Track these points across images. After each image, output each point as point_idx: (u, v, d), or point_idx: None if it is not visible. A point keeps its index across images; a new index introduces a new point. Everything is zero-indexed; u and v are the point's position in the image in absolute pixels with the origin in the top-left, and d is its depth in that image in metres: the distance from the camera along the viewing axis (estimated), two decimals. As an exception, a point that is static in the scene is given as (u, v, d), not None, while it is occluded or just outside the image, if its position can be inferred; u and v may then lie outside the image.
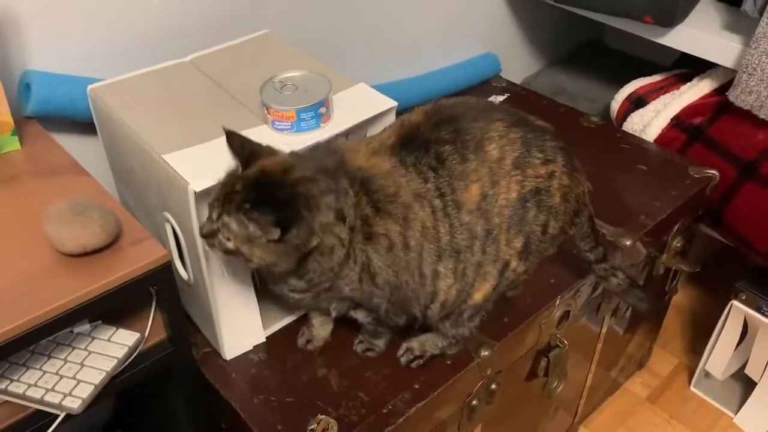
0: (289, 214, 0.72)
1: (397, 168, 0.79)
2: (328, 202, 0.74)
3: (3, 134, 0.89)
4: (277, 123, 0.85)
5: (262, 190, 0.73)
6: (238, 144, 0.76)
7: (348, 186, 0.77)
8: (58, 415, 0.73)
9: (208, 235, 0.76)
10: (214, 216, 0.75)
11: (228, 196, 0.74)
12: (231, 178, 0.75)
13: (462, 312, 0.87)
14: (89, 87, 0.94)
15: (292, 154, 0.78)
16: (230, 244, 0.75)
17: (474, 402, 0.97)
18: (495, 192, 0.80)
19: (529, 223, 0.83)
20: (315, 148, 0.82)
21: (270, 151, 0.77)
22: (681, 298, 1.67)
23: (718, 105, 1.30)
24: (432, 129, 0.81)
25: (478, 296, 0.85)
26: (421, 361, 0.92)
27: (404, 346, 0.94)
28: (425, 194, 0.79)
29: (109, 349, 0.79)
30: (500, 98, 1.48)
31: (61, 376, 0.75)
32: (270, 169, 0.75)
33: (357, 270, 0.79)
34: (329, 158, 0.79)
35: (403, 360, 0.93)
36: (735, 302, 1.31)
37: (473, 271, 0.83)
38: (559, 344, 1.08)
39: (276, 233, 0.72)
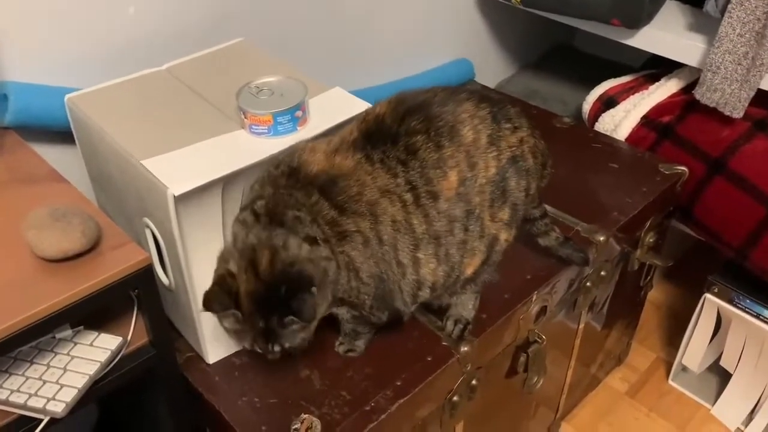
0: (301, 303, 0.74)
1: (361, 165, 0.79)
2: (306, 256, 0.75)
3: (-20, 144, 0.89)
4: (254, 127, 0.86)
5: (270, 302, 0.75)
6: (218, 300, 0.76)
7: (303, 202, 0.77)
8: (41, 420, 0.73)
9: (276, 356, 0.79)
10: (268, 347, 0.78)
11: (263, 331, 0.76)
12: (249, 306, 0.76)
13: (455, 283, 0.90)
14: (66, 96, 0.95)
15: (242, 228, 0.79)
16: (297, 339, 0.78)
17: (455, 398, 0.98)
18: (474, 174, 0.82)
19: (513, 192, 0.86)
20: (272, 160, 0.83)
21: (227, 267, 0.77)
22: (657, 294, 1.70)
23: (686, 103, 1.34)
24: (400, 120, 0.80)
25: (469, 270, 0.88)
26: (470, 327, 0.97)
27: (451, 319, 0.96)
28: (394, 189, 0.79)
29: (92, 353, 0.79)
30: (475, 102, 1.51)
31: (44, 381, 0.75)
32: (263, 275, 0.75)
33: (344, 273, 0.80)
34: (281, 173, 0.79)
35: (455, 332, 0.96)
36: (708, 295, 1.34)
37: (458, 250, 0.85)
38: (538, 340, 1.10)
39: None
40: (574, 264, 1.09)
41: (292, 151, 0.82)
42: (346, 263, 0.80)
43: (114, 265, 0.75)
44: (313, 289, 0.75)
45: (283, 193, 0.78)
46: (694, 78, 1.34)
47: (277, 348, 0.78)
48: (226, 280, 0.76)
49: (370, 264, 0.81)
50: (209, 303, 0.76)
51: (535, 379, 1.13)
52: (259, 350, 0.79)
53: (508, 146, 0.85)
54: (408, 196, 0.80)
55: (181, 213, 0.80)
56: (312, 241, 0.76)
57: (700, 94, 1.24)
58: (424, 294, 0.87)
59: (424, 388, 0.91)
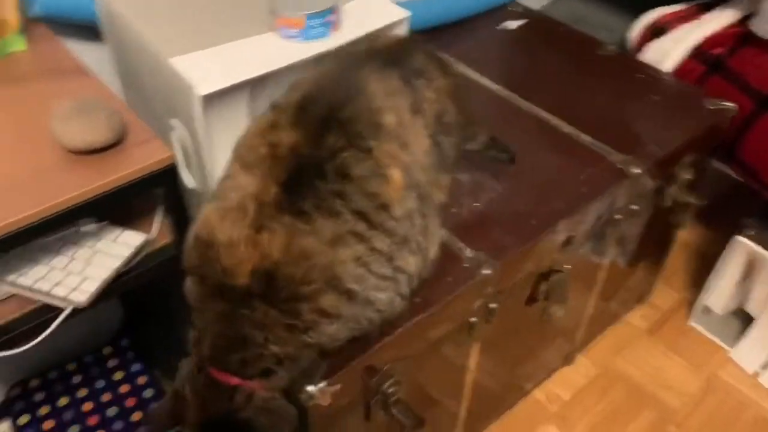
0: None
1: (294, 228, 0.63)
2: (259, 405, 0.67)
3: (9, 34, 0.88)
4: (285, 30, 0.84)
5: None
6: (162, 417, 0.69)
7: (249, 334, 0.65)
8: (63, 309, 0.74)
9: None
10: None
11: None
12: None
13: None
14: (96, -11, 0.93)
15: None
16: None
17: (473, 319, 0.98)
18: (411, 154, 0.70)
19: (447, 153, 0.76)
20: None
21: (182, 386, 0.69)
22: (687, 234, 1.67)
23: (740, 36, 1.26)
24: (317, 143, 0.65)
25: (432, 254, 0.79)
26: None
27: None
28: (342, 230, 0.65)
29: (116, 248, 0.80)
30: (516, 23, 1.45)
31: (69, 273, 0.77)
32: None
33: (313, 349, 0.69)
34: (212, 293, 0.65)
35: None
36: (739, 237, 1.31)
37: (424, 237, 0.74)
38: (561, 269, 1.08)
39: None
40: (501, 162, 1.02)
41: (204, 248, 0.65)
42: (318, 343, 0.68)
43: (138, 160, 0.74)
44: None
45: (222, 329, 0.65)
46: (751, 9, 1.26)
47: None
48: (178, 400, 0.68)
49: (348, 326, 0.70)
50: (152, 417, 0.69)
51: (555, 308, 1.12)
52: None
53: (429, 105, 0.73)
54: (360, 226, 0.67)
55: (207, 113, 0.79)
56: (267, 372, 0.67)
57: (756, 25, 1.17)
58: (416, 283, 0.78)
59: (442, 308, 0.91)
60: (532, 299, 1.11)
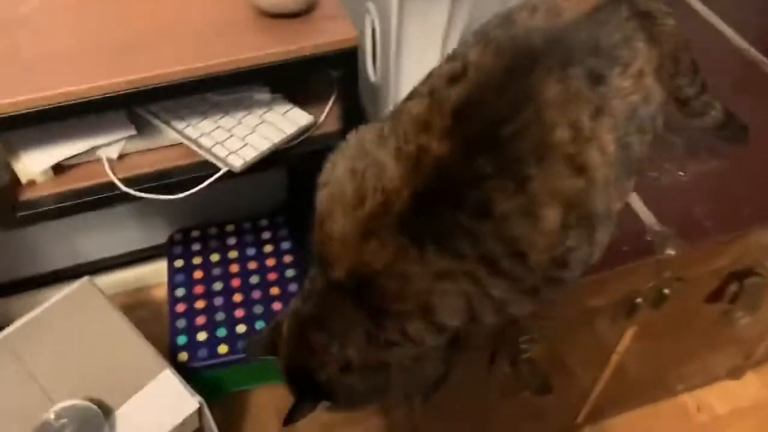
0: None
1: (405, 252, 0.56)
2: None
3: None
4: None
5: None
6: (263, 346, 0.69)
7: (335, 327, 0.62)
8: (219, 170, 0.74)
9: None
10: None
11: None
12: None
13: None
14: None
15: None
16: None
17: (638, 300, 0.87)
18: (589, 177, 0.57)
19: (636, 155, 0.60)
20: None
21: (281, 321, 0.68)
22: None
23: None
24: (465, 164, 0.55)
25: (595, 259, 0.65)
26: None
27: None
28: (456, 268, 0.57)
29: (282, 123, 0.78)
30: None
31: (232, 135, 0.76)
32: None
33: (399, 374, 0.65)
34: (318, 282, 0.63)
35: None
36: None
37: (579, 267, 0.62)
38: (761, 273, 0.92)
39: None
40: (735, 144, 0.84)
41: (320, 221, 0.61)
42: (400, 364, 0.65)
43: (323, 35, 0.70)
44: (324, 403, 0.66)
45: (319, 301, 0.63)
46: None
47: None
48: (278, 333, 0.67)
49: (434, 360, 0.67)
50: (251, 343, 0.70)
51: (740, 314, 0.97)
52: None
53: (621, 101, 0.58)
54: (481, 271, 0.57)
55: (406, 4, 0.72)
56: (344, 367, 0.63)
57: None
58: None
59: (607, 277, 0.81)
60: (715, 297, 0.96)
